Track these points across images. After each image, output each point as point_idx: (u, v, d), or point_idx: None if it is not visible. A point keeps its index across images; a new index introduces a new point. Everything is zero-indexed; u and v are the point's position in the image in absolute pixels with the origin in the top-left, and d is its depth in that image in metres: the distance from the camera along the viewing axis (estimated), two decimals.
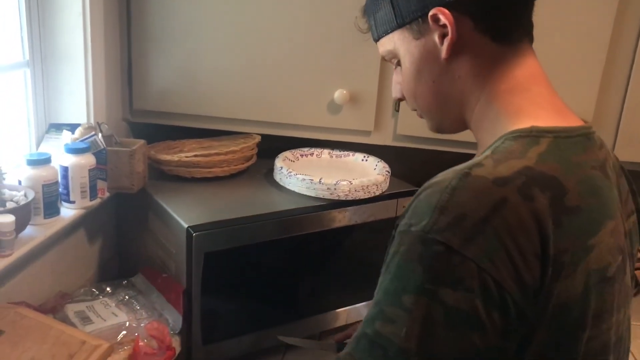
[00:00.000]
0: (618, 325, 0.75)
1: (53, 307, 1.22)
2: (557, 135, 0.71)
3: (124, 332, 1.17)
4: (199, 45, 1.49)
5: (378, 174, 1.47)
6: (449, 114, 0.83)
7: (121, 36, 1.52)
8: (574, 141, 0.73)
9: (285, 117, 1.53)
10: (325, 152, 1.63)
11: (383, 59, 0.87)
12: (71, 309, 1.21)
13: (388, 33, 0.82)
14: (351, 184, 1.38)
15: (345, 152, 1.62)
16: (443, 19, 0.74)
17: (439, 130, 0.87)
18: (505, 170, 0.66)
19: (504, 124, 0.74)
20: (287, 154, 1.57)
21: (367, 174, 1.50)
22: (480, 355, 0.64)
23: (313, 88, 1.50)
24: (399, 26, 0.79)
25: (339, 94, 1.48)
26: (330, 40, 1.46)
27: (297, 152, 1.60)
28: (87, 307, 1.23)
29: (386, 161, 1.56)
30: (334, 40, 1.46)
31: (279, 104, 1.52)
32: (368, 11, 0.86)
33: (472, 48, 0.76)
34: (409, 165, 1.67)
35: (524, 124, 0.72)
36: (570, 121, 0.75)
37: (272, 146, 1.59)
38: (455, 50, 0.75)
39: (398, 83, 0.86)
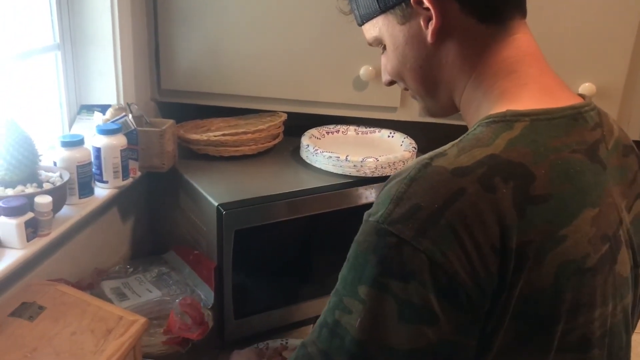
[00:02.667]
0: (605, 318, 0.71)
1: (90, 284, 1.27)
2: (536, 118, 0.68)
3: (159, 307, 1.21)
4: (224, 24, 1.50)
5: (405, 150, 1.47)
6: (438, 98, 0.80)
7: (148, 16, 1.53)
8: (555, 123, 0.69)
9: (311, 94, 1.54)
10: (351, 129, 1.63)
11: (370, 45, 0.84)
12: (107, 286, 1.26)
13: (371, 18, 0.79)
14: (378, 160, 1.38)
15: (372, 129, 1.63)
16: (427, 3, 0.71)
17: (430, 113, 0.85)
18: (466, 160, 0.64)
19: (485, 110, 0.72)
20: (313, 131, 1.58)
21: (393, 150, 1.50)
22: (435, 350, 0.62)
23: (339, 65, 1.50)
24: (382, 11, 0.76)
25: (364, 71, 1.47)
26: None
27: (323, 129, 1.60)
28: (122, 283, 1.27)
29: (412, 137, 1.57)
30: None
31: (304, 82, 1.53)
32: None
33: (459, 31, 0.73)
34: (435, 141, 1.65)
35: (501, 108, 0.70)
36: (559, 101, 0.71)
37: (298, 124, 1.60)
38: (441, 34, 0.73)
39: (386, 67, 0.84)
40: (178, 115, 1.57)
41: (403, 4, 0.74)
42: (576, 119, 0.71)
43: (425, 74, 0.78)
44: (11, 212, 1.03)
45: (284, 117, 1.60)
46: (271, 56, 1.51)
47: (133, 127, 1.33)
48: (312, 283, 1.43)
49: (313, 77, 1.52)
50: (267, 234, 1.30)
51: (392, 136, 1.59)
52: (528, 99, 0.70)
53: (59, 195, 1.13)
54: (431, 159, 0.65)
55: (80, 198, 1.23)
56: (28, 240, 1.06)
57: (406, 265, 0.61)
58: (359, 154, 1.40)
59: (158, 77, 1.58)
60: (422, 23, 0.73)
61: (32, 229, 1.07)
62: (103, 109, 1.39)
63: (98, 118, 1.35)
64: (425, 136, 1.61)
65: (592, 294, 0.68)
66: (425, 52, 0.75)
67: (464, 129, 0.72)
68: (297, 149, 1.55)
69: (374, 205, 0.66)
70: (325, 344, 0.67)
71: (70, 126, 1.42)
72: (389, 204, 0.63)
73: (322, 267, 1.43)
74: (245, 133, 1.49)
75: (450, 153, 0.65)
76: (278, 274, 1.38)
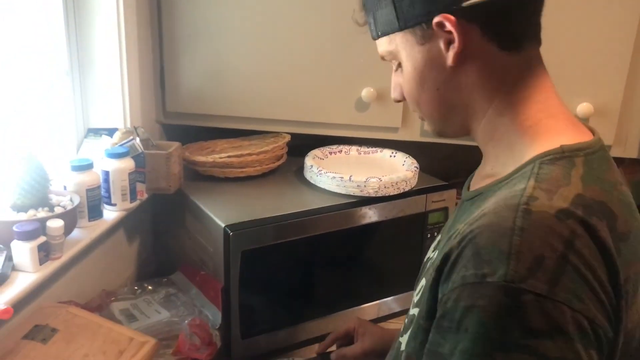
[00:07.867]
0: None
1: (99, 305, 1.28)
2: (586, 153, 0.70)
3: (167, 328, 1.22)
4: (227, 47, 1.53)
5: (407, 170, 1.50)
6: (452, 121, 0.80)
7: (153, 40, 1.56)
8: (599, 157, 0.71)
9: (314, 115, 1.57)
10: (354, 149, 1.66)
11: (382, 58, 0.83)
12: (116, 307, 1.27)
13: (389, 34, 0.77)
14: (381, 180, 1.41)
15: (374, 149, 1.65)
16: (449, 26, 0.70)
17: (440, 134, 0.84)
18: (561, 202, 0.63)
19: (526, 141, 0.73)
20: (317, 151, 1.60)
21: (395, 170, 1.53)
22: None
23: (341, 86, 1.53)
24: (401, 29, 0.75)
25: (366, 92, 1.50)
26: (357, 38, 1.46)
27: (326, 149, 1.63)
28: (131, 305, 1.29)
29: (413, 156, 1.59)
30: (360, 38, 1.47)
31: (307, 103, 1.56)
32: (367, 7, 0.80)
33: (479, 56, 0.72)
34: (436, 160, 1.69)
35: (550, 141, 0.71)
36: (583, 132, 0.74)
37: (302, 144, 1.63)
38: (461, 58, 0.72)
39: (399, 85, 0.83)
40: (182, 137, 1.59)
41: (424, 24, 0.73)
42: (606, 150, 0.74)
43: (442, 97, 0.77)
44: (24, 236, 1.05)
45: (288, 138, 1.62)
46: (274, 78, 1.54)
47: (140, 151, 1.35)
48: (317, 302, 1.44)
49: (316, 99, 1.55)
50: (272, 254, 1.32)
51: (394, 156, 1.61)
52: (564, 131, 0.72)
53: (70, 218, 1.15)
54: (527, 204, 0.63)
55: (89, 221, 1.24)
56: (40, 264, 1.08)
57: (549, 321, 0.58)
58: (362, 174, 1.43)
59: (163, 99, 1.61)
60: (442, 45, 0.73)
61: (45, 253, 1.09)
62: (110, 132, 1.42)
63: (106, 142, 1.38)
64: (426, 156, 1.64)
65: None
66: (443, 75, 0.75)
67: (463, 149, 0.72)
68: (300, 169, 1.57)
69: (473, 264, 0.62)
70: None
71: (78, 149, 1.44)
72: (507, 259, 0.59)
73: (327, 286, 1.45)
74: (250, 154, 1.52)
75: (539, 195, 0.64)
76: (284, 294, 1.40)
